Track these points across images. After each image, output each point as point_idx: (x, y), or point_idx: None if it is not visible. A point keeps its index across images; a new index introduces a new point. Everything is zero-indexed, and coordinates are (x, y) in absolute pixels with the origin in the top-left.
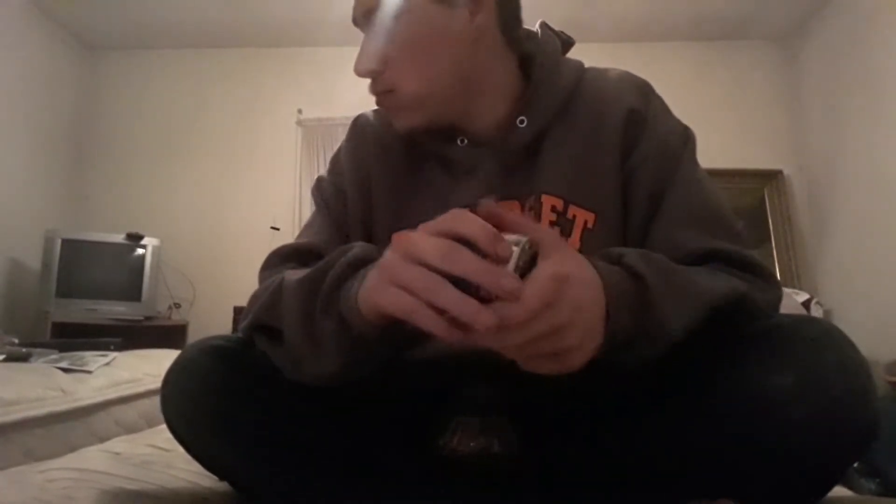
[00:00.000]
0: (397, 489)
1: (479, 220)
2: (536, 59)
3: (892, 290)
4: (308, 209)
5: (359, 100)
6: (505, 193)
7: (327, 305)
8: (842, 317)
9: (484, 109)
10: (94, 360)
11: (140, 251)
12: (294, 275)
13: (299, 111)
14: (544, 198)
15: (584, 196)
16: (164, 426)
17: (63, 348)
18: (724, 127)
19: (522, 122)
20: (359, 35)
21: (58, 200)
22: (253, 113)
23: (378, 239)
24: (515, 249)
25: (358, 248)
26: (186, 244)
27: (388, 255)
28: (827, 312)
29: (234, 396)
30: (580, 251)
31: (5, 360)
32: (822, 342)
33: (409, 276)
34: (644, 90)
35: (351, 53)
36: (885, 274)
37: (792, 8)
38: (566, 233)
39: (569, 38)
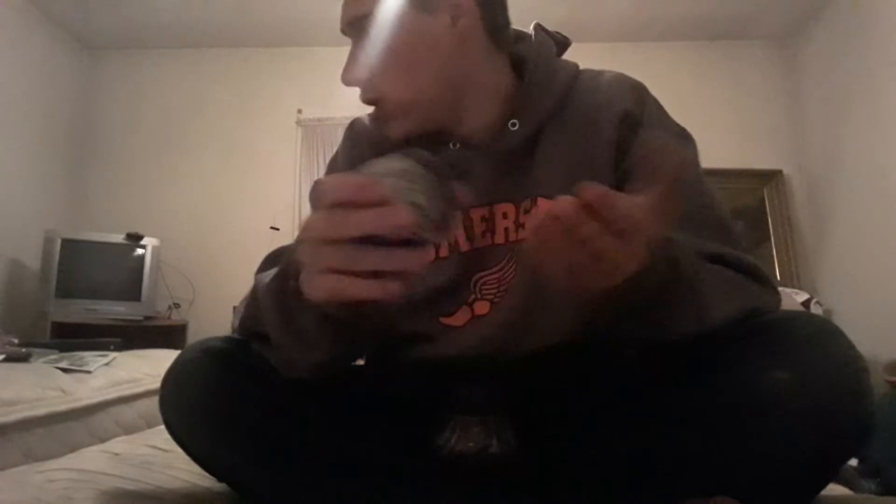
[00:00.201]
0: (396, 489)
1: (331, 183)
2: (529, 61)
3: (892, 290)
4: (308, 209)
5: (358, 100)
6: (499, 196)
7: (300, 299)
8: (842, 317)
9: (475, 113)
10: (94, 360)
11: (140, 251)
12: (265, 277)
13: (299, 111)
14: (540, 201)
15: None
16: (163, 427)
17: (63, 348)
18: (723, 127)
19: (514, 124)
20: None
21: (57, 200)
22: (253, 113)
23: None
24: (404, 183)
25: None
26: (186, 244)
27: (297, 247)
28: (827, 312)
29: (232, 398)
30: None
31: (5, 360)
32: (818, 338)
33: (323, 257)
34: (639, 92)
35: None
36: (885, 274)
37: (792, 8)
38: None
39: (564, 38)
